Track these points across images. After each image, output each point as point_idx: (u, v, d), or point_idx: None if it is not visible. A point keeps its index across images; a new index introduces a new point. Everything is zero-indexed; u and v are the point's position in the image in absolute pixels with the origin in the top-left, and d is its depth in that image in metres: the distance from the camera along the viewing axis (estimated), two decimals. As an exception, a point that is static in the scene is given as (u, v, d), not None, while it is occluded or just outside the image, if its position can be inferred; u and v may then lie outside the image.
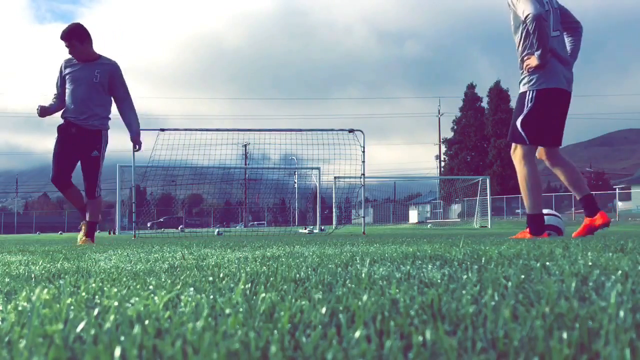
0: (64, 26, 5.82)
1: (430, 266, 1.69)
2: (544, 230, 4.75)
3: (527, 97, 4.70)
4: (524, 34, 4.68)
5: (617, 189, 36.23)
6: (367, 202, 41.93)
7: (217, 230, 17.43)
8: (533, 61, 4.61)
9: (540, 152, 4.90)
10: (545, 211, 6.05)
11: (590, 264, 1.60)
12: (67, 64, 5.84)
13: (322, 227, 19.37)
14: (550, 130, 4.76)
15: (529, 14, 4.46)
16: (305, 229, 18.65)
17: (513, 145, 4.84)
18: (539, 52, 4.54)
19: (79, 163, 5.90)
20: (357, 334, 0.72)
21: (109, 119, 5.95)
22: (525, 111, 4.70)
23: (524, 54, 4.71)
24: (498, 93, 54.54)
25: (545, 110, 4.67)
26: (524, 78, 4.74)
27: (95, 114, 5.77)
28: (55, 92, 5.94)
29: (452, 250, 2.45)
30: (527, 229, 4.81)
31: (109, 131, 5.93)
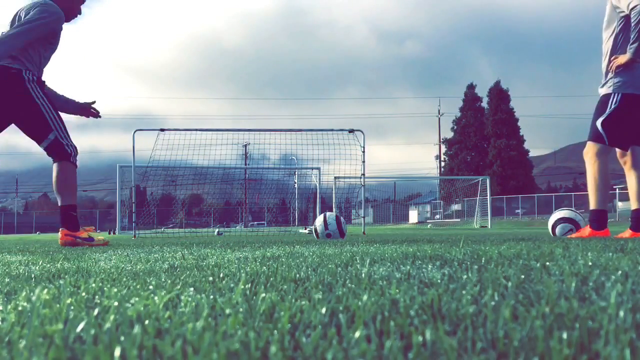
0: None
1: (430, 266, 1.69)
2: (605, 226, 4.76)
3: (611, 99, 4.66)
4: (617, 29, 4.62)
5: (617, 189, 36.18)
6: (367, 202, 41.87)
7: (217, 230, 17.43)
8: (622, 59, 4.55)
9: (619, 154, 4.87)
10: (565, 210, 6.13)
11: (590, 264, 1.60)
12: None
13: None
14: (630, 134, 4.74)
15: (636, 5, 4.41)
16: (306, 229, 18.63)
17: (587, 144, 4.83)
18: (634, 46, 4.47)
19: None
20: (357, 334, 0.72)
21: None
22: (607, 112, 4.67)
23: (613, 54, 4.64)
24: (498, 93, 54.58)
25: (628, 114, 4.65)
26: (608, 80, 4.69)
27: None
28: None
29: (452, 250, 2.45)
30: (588, 226, 4.82)
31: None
